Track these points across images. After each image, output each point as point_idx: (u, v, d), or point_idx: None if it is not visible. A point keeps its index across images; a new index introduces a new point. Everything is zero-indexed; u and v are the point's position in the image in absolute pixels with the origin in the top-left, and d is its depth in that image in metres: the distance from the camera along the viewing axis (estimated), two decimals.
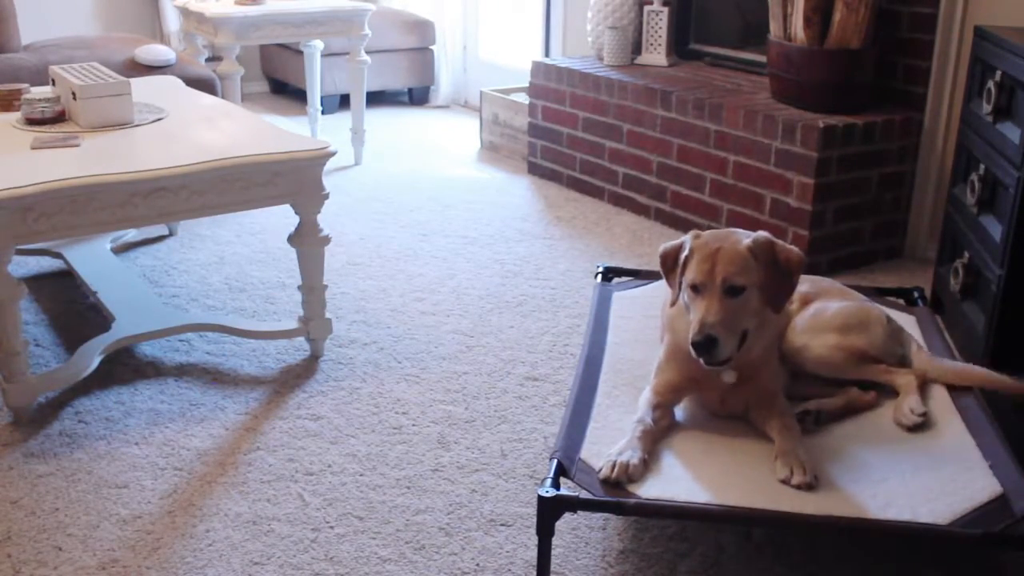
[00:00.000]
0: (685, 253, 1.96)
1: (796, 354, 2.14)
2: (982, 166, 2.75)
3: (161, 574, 1.96)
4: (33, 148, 2.57)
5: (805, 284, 2.29)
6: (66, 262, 3.21)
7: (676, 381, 2.03)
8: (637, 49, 4.39)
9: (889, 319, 2.24)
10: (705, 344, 1.87)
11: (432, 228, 3.86)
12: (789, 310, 2.22)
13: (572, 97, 4.27)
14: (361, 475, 2.28)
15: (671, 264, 2.00)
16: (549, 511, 1.79)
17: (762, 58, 3.82)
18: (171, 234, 3.74)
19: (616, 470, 1.84)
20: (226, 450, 2.38)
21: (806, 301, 2.23)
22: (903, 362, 2.19)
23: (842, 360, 2.13)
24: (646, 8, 4.31)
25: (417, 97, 6.01)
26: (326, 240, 2.68)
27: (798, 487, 1.82)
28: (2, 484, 2.23)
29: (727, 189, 3.62)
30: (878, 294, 2.68)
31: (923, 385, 2.14)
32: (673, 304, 2.02)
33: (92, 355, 2.60)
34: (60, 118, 2.82)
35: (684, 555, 2.01)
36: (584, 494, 1.82)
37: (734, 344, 1.90)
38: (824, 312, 2.18)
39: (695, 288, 1.92)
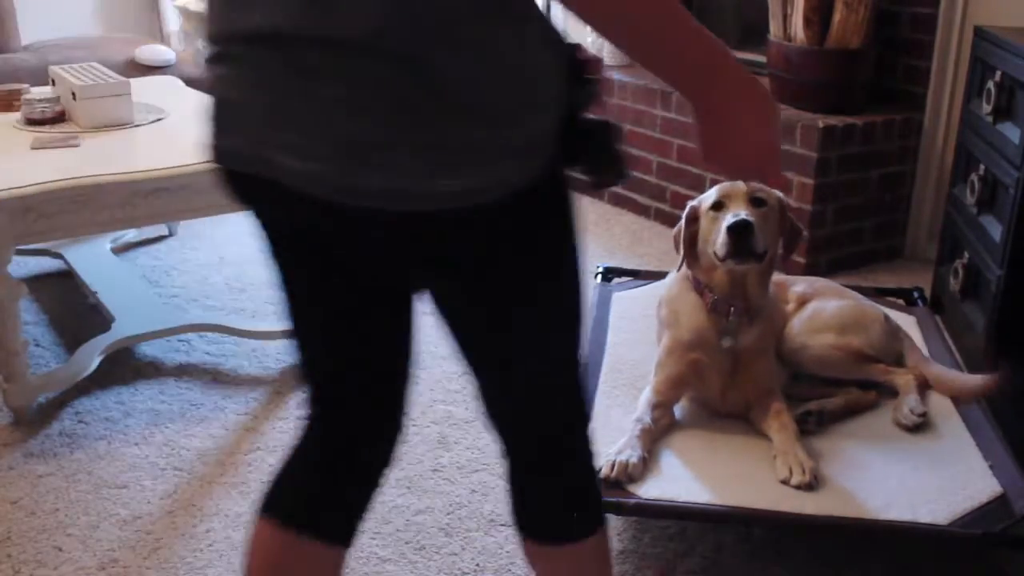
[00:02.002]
0: (707, 198, 1.98)
1: (794, 354, 2.14)
2: (982, 166, 2.75)
3: (161, 574, 1.96)
4: (33, 148, 2.57)
5: (802, 284, 2.30)
6: (66, 262, 3.21)
7: (678, 374, 2.03)
8: None
9: (887, 318, 2.24)
10: (742, 226, 1.84)
11: None
12: (786, 310, 2.22)
13: None
14: None
15: (691, 217, 2.01)
16: None
17: (762, 58, 3.82)
18: (171, 234, 3.74)
19: (616, 470, 1.84)
20: (226, 450, 2.38)
21: (803, 301, 2.23)
22: (900, 361, 2.20)
23: (840, 360, 2.13)
24: None
25: None
26: None
27: (798, 487, 1.82)
28: (2, 484, 2.23)
29: None
30: (878, 294, 2.68)
31: (922, 385, 2.14)
32: (679, 268, 2.03)
33: (92, 355, 2.60)
34: (60, 118, 2.82)
35: (684, 555, 2.01)
36: None
37: (763, 244, 1.89)
38: (822, 312, 2.18)
39: (717, 206, 1.93)
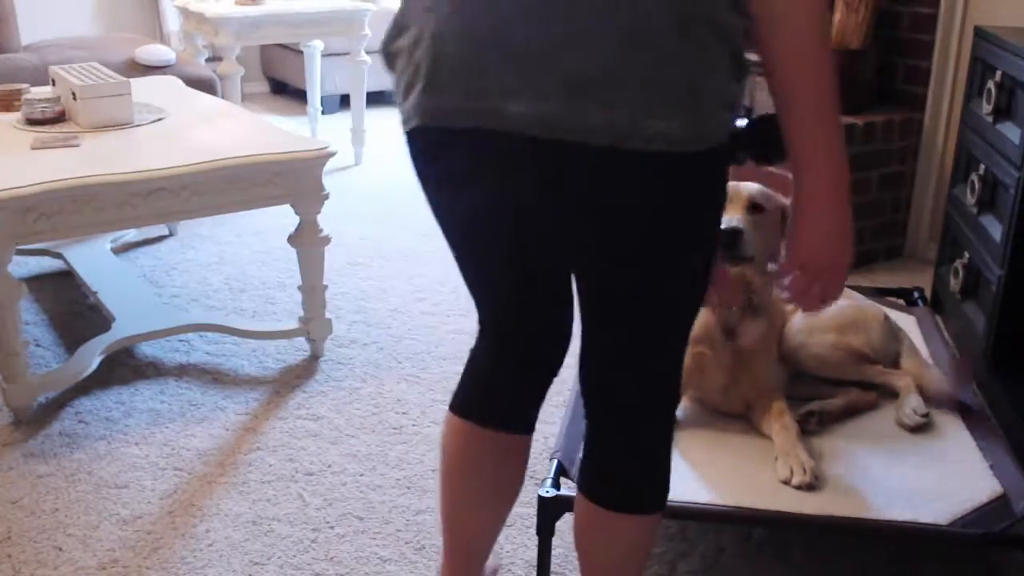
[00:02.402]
0: None
1: (793, 354, 2.14)
2: (982, 166, 2.75)
3: (161, 574, 1.96)
4: (33, 148, 2.57)
5: None
6: (66, 262, 3.21)
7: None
8: None
9: (886, 318, 2.24)
10: (732, 233, 1.85)
11: (432, 228, 3.86)
12: (786, 310, 2.22)
13: None
14: (361, 475, 2.28)
15: None
16: (549, 511, 1.79)
17: None
18: (171, 234, 3.74)
19: None
20: (226, 450, 2.38)
21: None
22: (898, 361, 2.19)
23: (839, 360, 2.13)
24: None
25: None
26: (326, 240, 2.68)
27: (798, 487, 1.82)
28: (2, 484, 2.23)
29: None
30: (878, 294, 2.68)
31: (921, 385, 2.14)
32: None
33: (92, 355, 2.60)
34: (60, 118, 2.82)
35: (684, 555, 2.01)
36: None
37: (753, 250, 1.89)
38: (821, 312, 2.18)
39: None
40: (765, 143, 1.24)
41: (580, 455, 1.91)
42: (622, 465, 1.41)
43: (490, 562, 1.87)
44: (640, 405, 1.37)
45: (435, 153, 1.27)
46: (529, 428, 1.56)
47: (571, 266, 1.34)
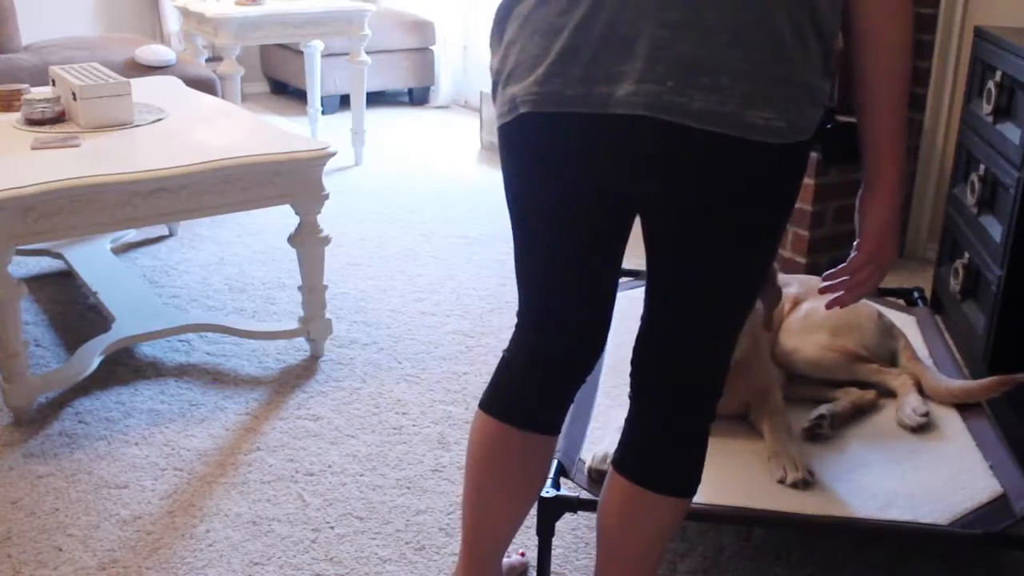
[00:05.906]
0: None
1: (787, 356, 2.14)
2: (982, 166, 2.75)
3: (161, 574, 1.96)
4: (33, 148, 2.57)
5: (795, 285, 2.29)
6: (66, 262, 3.21)
7: None
8: None
9: (880, 315, 2.23)
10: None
11: (432, 228, 3.86)
12: (782, 312, 2.22)
13: None
14: (361, 475, 2.28)
15: None
16: (549, 511, 1.79)
17: None
18: (171, 234, 3.74)
19: (595, 460, 1.85)
20: (226, 450, 2.38)
21: (797, 302, 2.23)
22: (895, 359, 2.19)
23: (833, 361, 2.13)
24: None
25: (417, 97, 6.01)
26: (326, 240, 2.68)
27: (794, 486, 1.82)
28: (2, 484, 2.23)
29: None
30: (878, 294, 2.68)
31: (918, 384, 2.13)
32: None
33: (92, 355, 2.60)
34: (60, 118, 2.82)
35: (684, 555, 2.01)
36: (584, 494, 1.82)
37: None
38: (815, 313, 2.18)
39: None
40: (840, 147, 1.34)
41: (580, 455, 1.92)
42: (674, 448, 1.46)
43: (514, 560, 1.93)
44: (694, 391, 1.44)
45: (542, 137, 1.32)
46: (556, 429, 1.60)
47: (662, 234, 1.39)
